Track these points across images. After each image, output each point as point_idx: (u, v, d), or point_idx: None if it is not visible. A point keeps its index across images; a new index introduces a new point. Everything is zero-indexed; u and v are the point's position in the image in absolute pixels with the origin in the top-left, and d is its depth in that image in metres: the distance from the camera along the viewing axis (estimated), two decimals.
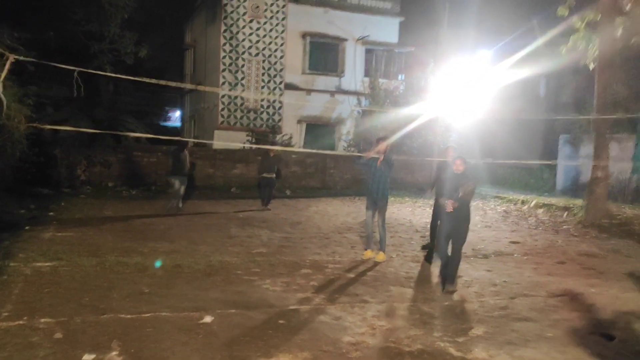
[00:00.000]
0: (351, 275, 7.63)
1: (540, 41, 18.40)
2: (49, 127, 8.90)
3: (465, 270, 7.94)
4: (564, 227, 12.91)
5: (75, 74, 6.64)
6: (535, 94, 28.80)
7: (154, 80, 9.88)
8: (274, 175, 14.18)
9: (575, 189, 19.53)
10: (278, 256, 8.58)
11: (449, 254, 6.98)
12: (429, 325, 5.57)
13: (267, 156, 14.28)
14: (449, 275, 6.91)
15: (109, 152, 18.04)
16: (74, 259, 7.62)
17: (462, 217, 6.84)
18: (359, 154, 9.27)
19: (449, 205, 6.74)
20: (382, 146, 8.45)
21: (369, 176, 8.60)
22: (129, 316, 5.39)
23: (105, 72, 13.11)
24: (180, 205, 13.01)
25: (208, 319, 5.40)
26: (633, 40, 14.90)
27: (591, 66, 15.80)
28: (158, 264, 7.58)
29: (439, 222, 7.84)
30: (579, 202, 15.98)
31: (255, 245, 9.45)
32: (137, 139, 19.49)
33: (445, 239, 7.04)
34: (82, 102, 18.57)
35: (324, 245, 9.76)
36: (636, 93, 18.81)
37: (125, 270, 7.21)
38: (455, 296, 6.68)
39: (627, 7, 14.42)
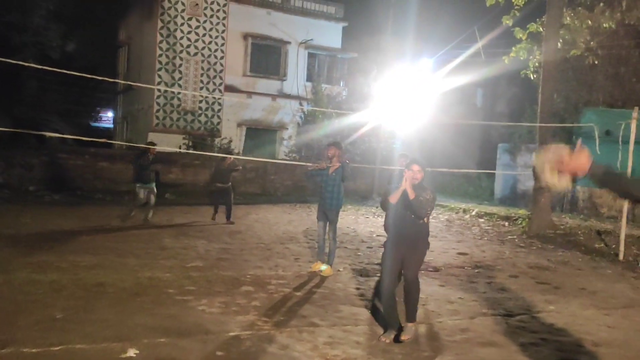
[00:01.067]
0: (297, 292, 6.95)
1: (477, 46, 18.46)
2: None
3: None
4: (509, 237, 12.72)
5: None
6: (472, 104, 29.20)
7: (79, 74, 9.00)
8: (229, 184, 13.01)
9: (513, 197, 19.68)
10: (216, 271, 7.80)
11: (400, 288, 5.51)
12: (389, 354, 4.95)
13: (221, 164, 13.29)
14: (408, 311, 5.41)
15: (31, 153, 16.64)
16: None
17: (419, 240, 5.45)
18: (316, 165, 8.48)
19: (395, 196, 5.35)
20: (336, 153, 7.93)
21: (322, 186, 8.04)
22: (34, 350, 4.48)
23: (29, 67, 12.00)
24: (150, 215, 11.84)
25: (132, 352, 4.56)
26: (572, 52, 15.12)
27: (532, 76, 15.93)
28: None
29: (384, 250, 5.71)
30: (520, 211, 16.00)
31: (191, 258, 8.62)
32: (63, 139, 18.22)
33: (392, 272, 5.38)
34: (1, 99, 17.12)
35: (265, 257, 9.05)
36: (572, 104, 19.17)
37: (38, 290, 6.24)
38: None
39: (567, 20, 14.60)
